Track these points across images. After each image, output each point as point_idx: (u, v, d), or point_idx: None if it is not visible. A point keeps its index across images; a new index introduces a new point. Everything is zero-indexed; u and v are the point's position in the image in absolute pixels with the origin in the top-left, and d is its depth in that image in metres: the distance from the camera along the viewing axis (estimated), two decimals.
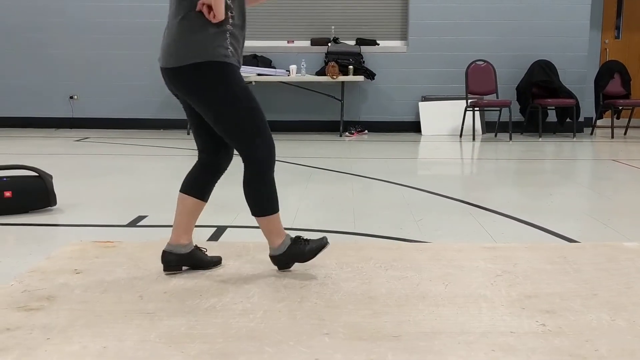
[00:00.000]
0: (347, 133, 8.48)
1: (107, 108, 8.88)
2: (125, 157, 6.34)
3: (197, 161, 2.71)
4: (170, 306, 2.32)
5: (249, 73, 8.07)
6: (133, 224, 3.67)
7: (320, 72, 8.45)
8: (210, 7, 2.41)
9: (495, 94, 8.31)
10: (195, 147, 2.71)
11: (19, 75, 8.82)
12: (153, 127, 8.83)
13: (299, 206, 4.12)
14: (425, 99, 8.73)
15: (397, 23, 8.89)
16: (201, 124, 2.63)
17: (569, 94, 8.30)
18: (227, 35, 2.47)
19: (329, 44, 8.61)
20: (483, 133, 8.64)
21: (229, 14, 2.46)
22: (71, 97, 8.85)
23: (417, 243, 3.25)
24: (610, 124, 8.51)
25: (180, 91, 2.53)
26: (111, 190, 4.65)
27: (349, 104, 8.77)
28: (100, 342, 2.00)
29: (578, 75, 8.73)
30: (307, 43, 8.84)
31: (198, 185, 2.66)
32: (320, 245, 2.68)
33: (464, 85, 8.24)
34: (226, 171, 2.73)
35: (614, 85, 8.58)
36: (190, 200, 2.65)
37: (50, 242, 3.27)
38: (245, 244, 3.10)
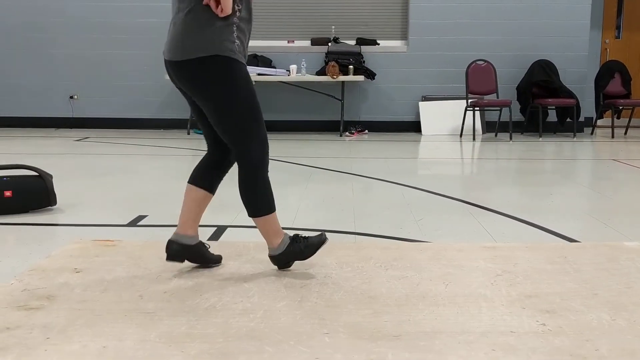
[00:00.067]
0: (347, 133, 8.48)
1: (107, 108, 8.88)
2: (126, 157, 6.34)
3: (206, 153, 2.71)
4: (170, 306, 2.31)
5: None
6: (133, 223, 3.67)
7: (321, 72, 8.45)
8: (217, 1, 2.39)
9: (495, 94, 8.31)
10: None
11: (19, 75, 8.83)
12: (153, 127, 8.82)
13: (299, 206, 4.12)
14: (426, 98, 8.73)
15: (398, 23, 8.89)
16: None
17: (569, 94, 8.30)
18: (234, 28, 2.45)
19: (329, 44, 8.60)
20: (483, 133, 8.64)
21: (236, 7, 2.44)
22: (71, 97, 8.85)
23: (417, 243, 3.25)
24: (610, 124, 8.51)
25: (184, 85, 2.52)
26: (111, 190, 4.65)
27: (349, 103, 8.77)
28: (100, 342, 2.00)
29: (578, 75, 8.73)
30: (308, 43, 8.83)
31: (207, 177, 2.66)
32: (320, 241, 2.67)
33: (464, 85, 8.23)
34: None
35: (615, 85, 8.58)
36: (200, 192, 2.65)
37: (50, 242, 3.27)
38: (245, 243, 3.10)
